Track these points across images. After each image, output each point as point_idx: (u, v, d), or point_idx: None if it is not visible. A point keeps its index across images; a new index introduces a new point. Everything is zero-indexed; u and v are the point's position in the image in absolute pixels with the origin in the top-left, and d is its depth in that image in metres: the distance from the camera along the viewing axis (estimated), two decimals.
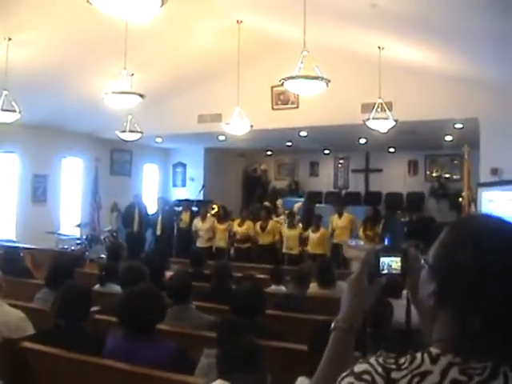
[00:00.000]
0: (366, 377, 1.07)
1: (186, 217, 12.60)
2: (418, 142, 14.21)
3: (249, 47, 10.18)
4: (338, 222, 10.99)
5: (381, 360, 1.09)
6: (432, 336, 1.12)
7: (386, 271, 1.35)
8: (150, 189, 16.72)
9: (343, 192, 18.33)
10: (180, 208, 13.29)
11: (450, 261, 1.08)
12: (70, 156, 13.80)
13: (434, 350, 1.08)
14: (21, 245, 9.63)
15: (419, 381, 1.04)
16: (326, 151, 18.19)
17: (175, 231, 12.40)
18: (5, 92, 8.63)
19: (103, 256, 10.40)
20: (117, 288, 5.35)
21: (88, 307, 3.73)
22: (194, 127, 12.52)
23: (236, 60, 9.78)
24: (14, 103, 8.73)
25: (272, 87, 11.36)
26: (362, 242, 9.93)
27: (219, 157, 17.00)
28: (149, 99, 9.22)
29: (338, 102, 10.46)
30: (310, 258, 9.97)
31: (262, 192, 18.18)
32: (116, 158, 15.27)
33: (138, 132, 10.84)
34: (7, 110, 8.76)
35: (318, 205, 15.12)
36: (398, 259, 1.34)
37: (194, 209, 13.21)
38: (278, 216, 13.04)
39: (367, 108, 9.79)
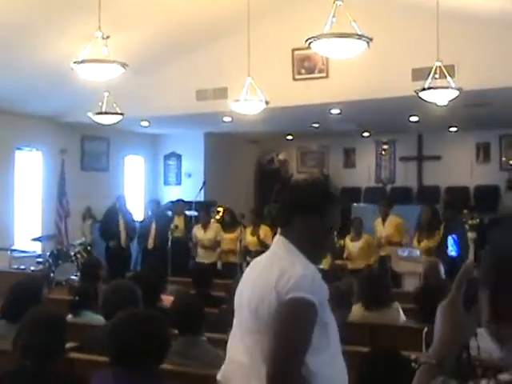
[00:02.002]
0: None
1: (180, 223, 12.63)
2: (489, 117, 14.15)
3: None
4: (381, 229, 10.95)
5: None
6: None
7: None
8: (135, 188, 16.80)
9: (388, 187, 18.31)
10: (172, 212, 13.34)
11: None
12: (26, 147, 13.85)
13: (502, 377, 1.18)
14: None
15: None
16: (365, 134, 18.15)
17: (169, 243, 12.43)
18: None
19: (74, 277, 10.47)
20: (96, 317, 5.36)
21: (62, 340, 3.75)
22: (191, 106, 12.54)
23: (246, 15, 9.76)
24: None
25: (293, 50, 11.36)
26: (417, 252, 9.91)
27: (224, 145, 17.04)
28: (131, 70, 9.23)
29: (381, 67, 10.44)
30: (349, 273, 9.94)
31: (281, 189, 18.17)
32: (88, 148, 15.33)
33: (117, 114, 10.87)
34: None
35: (355, 204, 15.12)
36: None
37: (191, 213, 13.23)
38: None
39: (420, 74, 9.74)
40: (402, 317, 5.99)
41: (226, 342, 4.99)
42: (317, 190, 2.98)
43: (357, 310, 5.79)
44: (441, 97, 9.29)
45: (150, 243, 12.38)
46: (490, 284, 1.23)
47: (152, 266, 8.46)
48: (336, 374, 2.82)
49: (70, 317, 5.90)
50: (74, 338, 4.81)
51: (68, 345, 4.50)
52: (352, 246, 10.68)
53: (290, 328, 2.70)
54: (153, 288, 5.62)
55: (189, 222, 12.73)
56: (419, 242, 10.34)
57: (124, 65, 7.74)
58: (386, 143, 18.74)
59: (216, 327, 5.36)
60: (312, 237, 2.90)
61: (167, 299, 6.13)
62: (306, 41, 6.47)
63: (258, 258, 3.06)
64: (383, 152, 18.88)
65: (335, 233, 3.05)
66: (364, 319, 5.60)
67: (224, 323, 5.51)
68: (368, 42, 6.44)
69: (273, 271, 2.78)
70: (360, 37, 6.35)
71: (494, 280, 1.23)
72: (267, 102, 9.92)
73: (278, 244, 2.95)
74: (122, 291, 4.76)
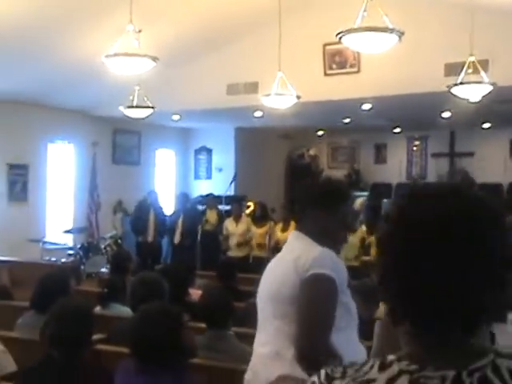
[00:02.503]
0: None
1: (211, 216, 12.67)
2: None
3: None
4: None
5: (330, 369, 1.28)
6: None
7: None
8: (166, 182, 16.87)
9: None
10: (203, 206, 13.37)
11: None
12: (59, 140, 13.99)
13: (389, 357, 1.21)
14: None
15: None
16: (397, 130, 18.06)
17: (199, 236, 12.48)
18: None
19: (104, 270, 10.55)
20: (124, 309, 5.40)
21: (89, 331, 3.77)
22: (222, 101, 12.55)
23: (277, 9, 9.73)
24: None
25: (324, 45, 11.31)
26: None
27: (255, 139, 17.03)
28: (162, 64, 9.24)
29: (413, 62, 10.36)
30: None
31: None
32: (120, 141, 15.42)
33: (148, 107, 10.90)
34: None
35: (385, 200, 15.04)
36: None
37: (223, 207, 13.26)
38: None
39: (453, 69, 9.64)
40: None
41: (252, 337, 5.02)
42: (328, 189, 3.13)
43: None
44: (473, 92, 9.18)
45: (177, 237, 12.41)
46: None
47: (180, 260, 8.51)
48: (356, 353, 2.85)
49: (98, 309, 5.96)
50: (102, 330, 4.85)
51: (95, 336, 4.54)
52: None
53: (314, 302, 2.80)
54: (180, 282, 5.64)
55: (221, 216, 12.75)
56: None
57: (155, 58, 7.75)
58: (417, 139, 18.65)
59: (243, 322, 5.37)
60: (324, 231, 3.02)
61: (195, 293, 6.14)
62: (337, 35, 6.43)
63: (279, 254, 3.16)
64: (415, 148, 18.79)
65: (348, 228, 3.20)
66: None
67: (251, 318, 5.53)
68: (399, 36, 6.37)
69: (290, 256, 2.93)
70: (391, 30, 6.28)
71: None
72: (298, 97, 9.87)
73: (293, 236, 3.12)
74: (148, 284, 4.79)
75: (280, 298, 2.88)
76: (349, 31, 6.30)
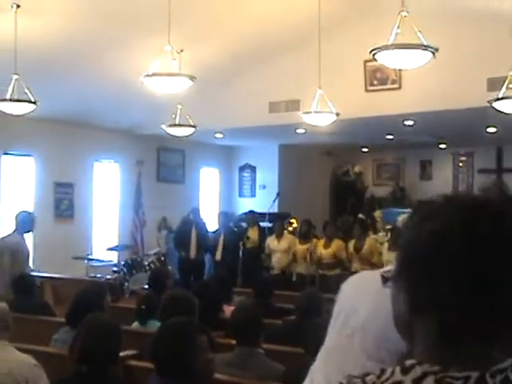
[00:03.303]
0: None
1: (253, 234, 12.70)
2: None
3: (333, 9, 10.15)
4: None
5: (346, 381, 1.26)
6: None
7: None
8: (210, 200, 16.96)
9: None
10: (245, 224, 13.41)
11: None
12: (104, 159, 14.23)
13: (408, 362, 1.21)
14: (38, 273, 9.82)
15: None
16: (442, 145, 17.87)
17: (240, 254, 12.51)
18: (15, 76, 8.55)
19: (147, 286, 10.63)
20: (158, 325, 5.43)
21: (117, 347, 3.82)
22: (265, 118, 12.62)
23: (316, 27, 9.77)
24: (27, 91, 8.67)
25: (365, 62, 11.31)
26: None
27: (298, 156, 17.05)
28: (204, 83, 9.37)
29: (455, 77, 10.30)
30: None
31: (356, 201, 18.06)
32: (164, 160, 15.58)
33: (190, 126, 11.01)
34: (19, 100, 8.71)
35: None
36: None
37: (264, 224, 13.27)
38: (375, 233, 12.90)
39: (496, 84, 9.54)
40: None
41: (287, 354, 5.01)
42: None
43: None
44: None
45: (218, 255, 12.47)
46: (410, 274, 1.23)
47: (218, 277, 8.54)
48: None
49: (135, 324, 6.02)
50: (137, 346, 4.91)
51: (128, 352, 4.60)
52: None
53: None
54: (213, 299, 5.65)
55: (262, 233, 12.77)
56: None
57: (192, 77, 7.84)
58: (463, 155, 18.42)
59: (279, 339, 5.36)
60: None
61: (230, 310, 6.16)
62: (371, 52, 6.44)
63: (368, 274, 2.69)
64: (461, 164, 18.55)
65: None
66: None
67: (288, 335, 5.53)
68: (433, 53, 6.33)
69: None
70: (425, 47, 6.25)
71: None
72: (337, 114, 9.89)
73: None
74: (179, 301, 4.83)
75: (385, 346, 2.46)
76: (382, 48, 6.30)
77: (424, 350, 1.22)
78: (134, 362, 4.56)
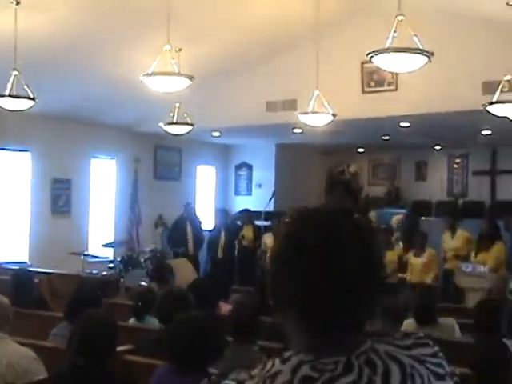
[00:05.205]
0: None
1: (248, 232, 12.76)
2: None
3: (331, 10, 10.21)
4: (449, 242, 10.83)
5: (233, 376, 1.45)
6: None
7: None
8: (206, 198, 17.02)
9: (460, 201, 18.04)
10: (240, 222, 13.47)
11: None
12: (101, 156, 14.31)
13: (286, 353, 1.39)
14: (35, 268, 9.92)
15: (271, 382, 1.35)
16: (437, 147, 17.98)
17: (236, 252, 12.58)
18: (14, 73, 8.53)
19: (144, 283, 10.69)
20: (156, 322, 5.51)
21: (113, 342, 3.89)
22: (262, 117, 12.68)
23: (314, 28, 9.84)
24: (26, 87, 8.64)
25: (362, 63, 11.37)
26: (481, 268, 9.75)
27: (295, 156, 17.12)
28: (202, 82, 9.41)
29: (451, 80, 10.37)
30: (413, 288, 9.87)
31: (351, 201, 18.08)
32: (161, 157, 15.66)
33: (188, 124, 11.07)
34: (18, 97, 8.69)
35: (424, 218, 14.95)
36: None
37: (260, 223, 13.35)
38: None
39: (491, 88, 9.60)
40: (458, 332, 5.94)
41: (280, 351, 5.09)
42: None
43: (409, 325, 5.77)
44: (510, 111, 9.14)
45: (220, 252, 12.55)
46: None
47: (216, 274, 8.62)
48: None
49: (132, 320, 6.09)
50: (133, 341, 4.99)
51: (125, 347, 4.68)
52: (415, 261, 10.58)
53: None
54: (208, 296, 5.72)
55: (258, 232, 12.83)
56: (476, 253, 10.19)
57: (191, 77, 7.90)
58: (458, 157, 18.51)
59: (273, 336, 5.42)
60: None
61: (227, 307, 6.23)
62: (368, 55, 6.51)
63: None
64: (456, 165, 18.64)
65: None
66: None
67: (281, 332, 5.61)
68: (429, 56, 6.40)
69: None
70: (421, 51, 6.32)
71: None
72: (334, 115, 9.95)
73: None
74: (174, 297, 4.90)
75: None
76: (379, 52, 6.37)
77: (299, 343, 1.41)
78: (130, 357, 4.63)
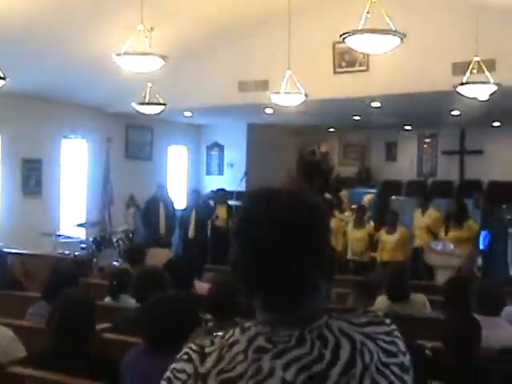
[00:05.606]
0: (184, 356, 1.52)
1: (222, 212, 12.81)
2: None
3: None
4: (420, 219, 10.99)
5: (200, 340, 1.56)
6: None
7: None
8: (178, 178, 17.03)
9: (430, 181, 18.26)
10: (214, 202, 13.51)
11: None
12: (73, 136, 14.17)
13: (246, 324, 1.51)
14: (7, 249, 9.83)
15: (228, 350, 1.46)
16: (407, 127, 18.13)
17: (209, 232, 12.63)
18: None
19: (116, 263, 10.73)
20: (131, 301, 5.56)
21: (92, 321, 3.94)
22: (234, 97, 12.65)
23: (287, 8, 9.85)
24: None
25: (334, 44, 11.37)
26: (451, 246, 9.92)
27: (266, 136, 17.14)
28: (174, 62, 9.38)
29: (422, 61, 10.45)
30: (384, 266, 10.02)
31: (322, 181, 18.23)
32: (133, 137, 15.60)
33: (160, 104, 11.04)
34: None
35: (394, 197, 15.12)
36: None
37: (232, 202, 13.41)
38: (341, 212, 13.11)
39: (461, 69, 9.70)
40: (429, 309, 6.07)
41: None
42: None
43: (382, 302, 5.89)
44: (479, 92, 9.26)
45: (191, 232, 12.60)
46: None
47: (190, 254, 8.66)
48: None
49: (108, 299, 6.14)
50: (110, 320, 5.04)
51: (102, 326, 4.73)
52: (386, 239, 10.72)
53: None
54: (184, 275, 5.78)
55: (231, 212, 12.89)
56: (446, 232, 10.35)
57: (164, 57, 7.90)
58: (428, 137, 18.67)
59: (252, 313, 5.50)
60: None
61: (200, 286, 6.30)
62: (341, 36, 6.55)
63: None
64: (425, 146, 18.82)
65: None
66: (389, 311, 5.68)
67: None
68: (402, 38, 6.46)
69: None
70: (393, 33, 6.38)
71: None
72: (306, 95, 9.98)
73: None
74: (150, 276, 4.96)
75: None
76: (352, 33, 6.42)
77: (259, 316, 1.51)
78: (108, 335, 4.69)
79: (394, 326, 1.56)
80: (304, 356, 1.43)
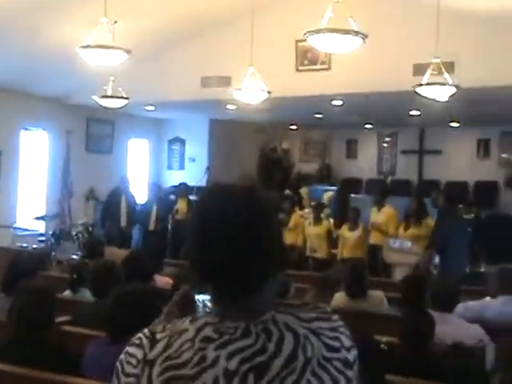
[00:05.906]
0: (136, 341, 1.57)
1: (182, 206, 12.82)
2: (491, 114, 14.20)
3: None
4: (375, 216, 11.11)
5: (152, 326, 1.63)
6: None
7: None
8: (138, 171, 16.97)
9: (389, 179, 18.46)
10: (175, 196, 13.52)
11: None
12: (32, 127, 14.02)
13: (198, 314, 1.59)
14: None
15: (177, 338, 1.51)
16: (368, 126, 18.30)
17: (169, 225, 12.63)
18: None
19: (75, 256, 10.68)
20: (89, 294, 5.57)
21: (52, 312, 3.95)
22: (196, 93, 12.65)
23: (250, 4, 9.89)
24: None
25: (297, 42, 11.43)
26: (408, 244, 10.05)
27: (228, 131, 17.16)
28: (137, 56, 9.36)
29: (383, 61, 10.55)
30: (344, 262, 10.12)
31: (283, 178, 18.33)
32: (93, 130, 15.50)
33: (122, 98, 11.01)
34: None
35: (354, 195, 15.26)
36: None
37: (193, 197, 13.43)
38: (302, 209, 13.21)
39: (421, 70, 9.78)
40: (386, 305, 6.18)
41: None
42: None
43: (340, 298, 5.98)
44: (438, 93, 9.37)
45: (151, 225, 12.59)
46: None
47: (149, 247, 8.68)
48: None
49: (67, 293, 6.13)
50: (69, 313, 5.05)
51: (61, 318, 4.73)
52: (349, 235, 10.84)
53: None
54: (144, 269, 5.80)
55: (191, 206, 12.90)
56: (405, 229, 10.50)
57: (128, 51, 7.90)
58: (388, 136, 18.86)
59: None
60: None
61: (161, 280, 6.33)
62: (304, 34, 6.62)
63: None
64: (385, 144, 19.00)
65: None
66: (345, 307, 5.77)
67: None
68: (363, 38, 6.55)
69: None
70: (355, 33, 6.47)
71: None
72: (269, 92, 10.04)
73: None
74: (107, 271, 5.00)
75: None
76: (314, 32, 6.49)
77: (212, 307, 1.58)
78: (68, 328, 4.70)
79: (340, 322, 1.61)
80: (248, 347, 1.49)
